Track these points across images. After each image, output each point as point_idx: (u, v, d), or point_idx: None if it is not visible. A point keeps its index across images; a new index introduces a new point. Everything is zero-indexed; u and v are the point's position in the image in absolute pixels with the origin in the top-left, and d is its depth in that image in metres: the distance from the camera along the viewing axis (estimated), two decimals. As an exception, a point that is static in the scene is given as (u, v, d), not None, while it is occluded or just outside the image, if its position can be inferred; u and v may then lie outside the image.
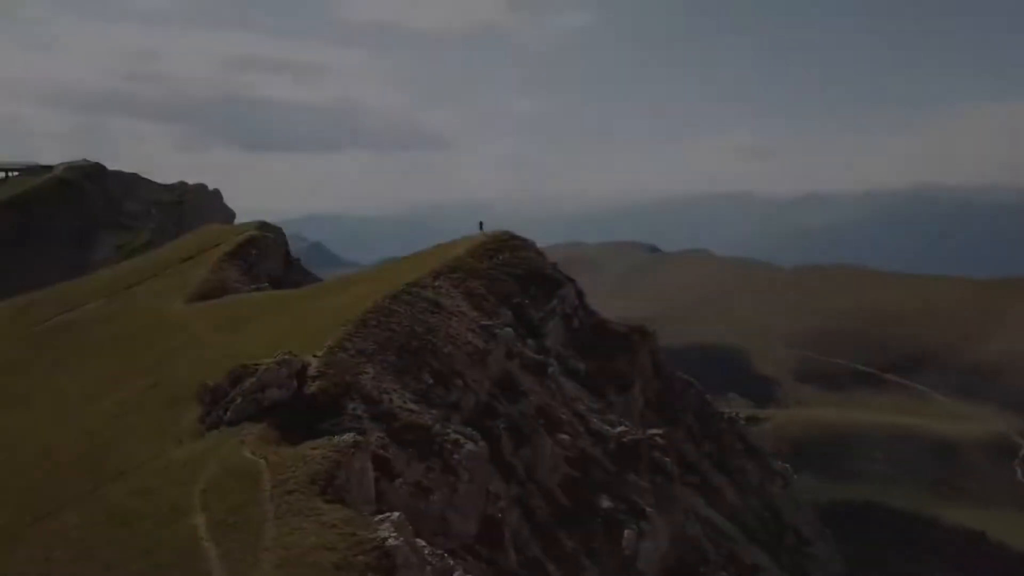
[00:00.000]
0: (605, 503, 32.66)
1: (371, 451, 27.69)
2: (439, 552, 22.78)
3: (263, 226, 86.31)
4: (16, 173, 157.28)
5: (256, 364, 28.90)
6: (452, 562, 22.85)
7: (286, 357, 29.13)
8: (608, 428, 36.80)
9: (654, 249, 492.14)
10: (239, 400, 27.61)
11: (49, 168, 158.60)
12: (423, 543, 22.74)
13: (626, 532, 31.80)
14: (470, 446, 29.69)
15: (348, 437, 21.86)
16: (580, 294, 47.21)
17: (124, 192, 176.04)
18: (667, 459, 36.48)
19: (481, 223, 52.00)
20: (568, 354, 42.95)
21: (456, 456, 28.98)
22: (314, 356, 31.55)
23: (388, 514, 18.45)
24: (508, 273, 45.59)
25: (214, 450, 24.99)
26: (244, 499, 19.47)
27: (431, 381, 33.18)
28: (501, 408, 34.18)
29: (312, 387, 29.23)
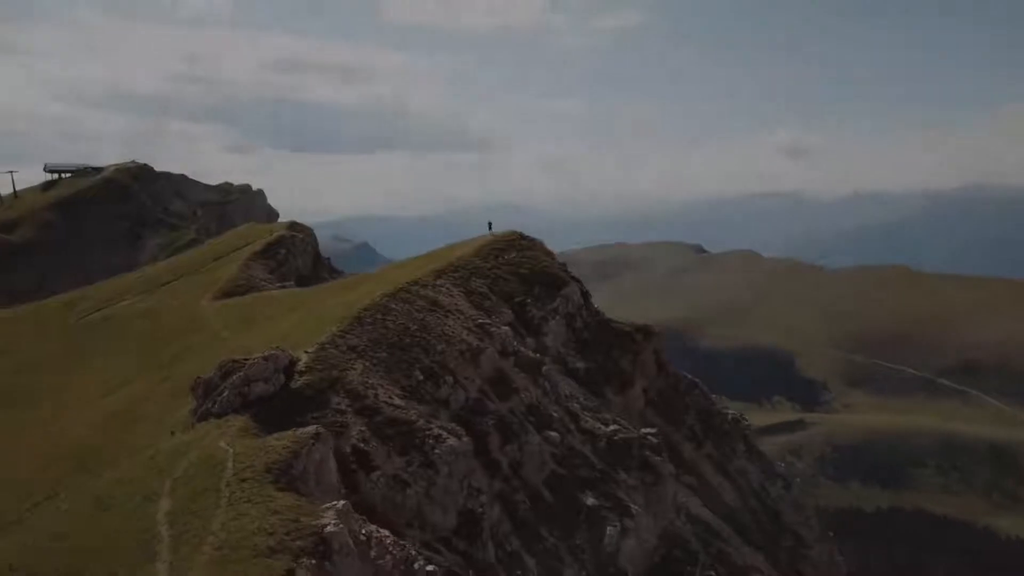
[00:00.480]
0: (590, 500, 33.03)
1: (351, 443, 28.72)
2: (402, 543, 23.55)
3: (293, 226, 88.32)
4: (68, 175, 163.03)
5: (245, 359, 30.02)
6: (415, 552, 23.60)
7: (273, 352, 30.21)
8: (601, 426, 37.14)
9: (700, 250, 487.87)
10: (226, 393, 28.74)
11: (99, 170, 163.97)
12: (386, 533, 23.57)
13: (608, 529, 32.15)
14: (452, 441, 30.40)
15: (310, 429, 22.70)
16: (585, 294, 47.52)
17: (171, 193, 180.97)
18: (658, 458, 36.65)
19: (490, 223, 52.68)
20: (568, 353, 43.37)
21: (437, 451, 29.70)
22: (305, 352, 32.64)
23: (334, 503, 19.14)
24: (513, 272, 46.15)
25: (197, 441, 26.11)
26: (205, 486, 20.45)
27: (421, 377, 33.94)
28: (491, 405, 34.76)
29: (299, 382, 30.27)
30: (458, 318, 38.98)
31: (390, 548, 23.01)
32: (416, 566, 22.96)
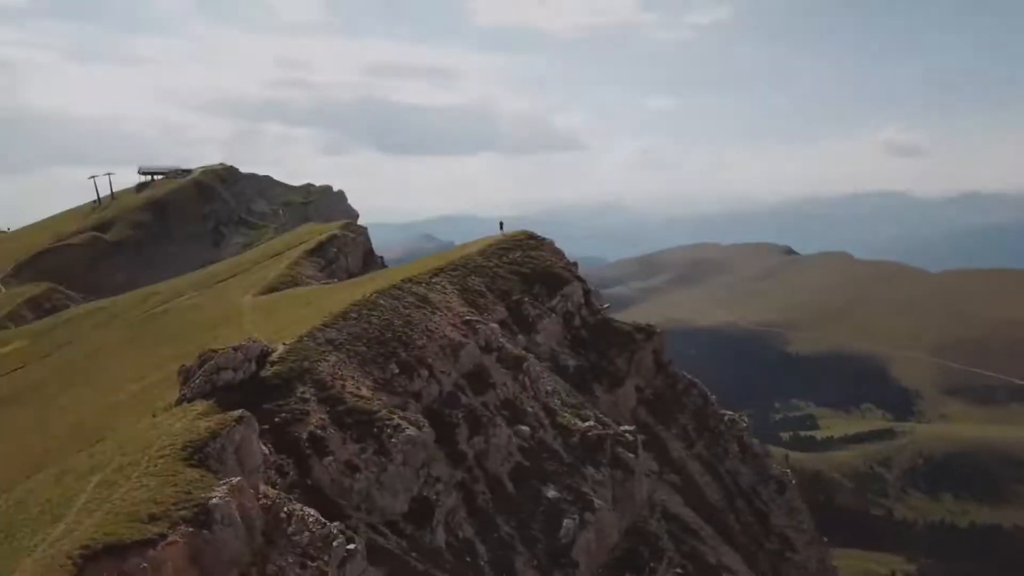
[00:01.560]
0: (551, 492, 33.96)
1: (308, 430, 30.60)
2: (324, 522, 25.20)
3: (347, 226, 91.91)
4: (161, 176, 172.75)
5: (219, 348, 32.32)
6: (336, 530, 25.20)
7: (245, 343, 32.41)
8: (577, 422, 37.94)
9: (790, 251, 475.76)
10: (198, 380, 31.05)
11: (188, 172, 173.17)
12: (311, 512, 25.29)
13: (566, 521, 33.02)
14: (410, 431, 31.88)
15: (236, 412, 24.50)
16: (587, 293, 48.25)
17: (255, 193, 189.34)
18: (631, 455, 37.20)
19: (501, 223, 53.99)
20: (561, 351, 44.26)
21: (393, 440, 31.25)
22: (283, 343, 34.77)
23: (229, 479, 20.90)
24: (514, 271, 47.34)
25: (162, 423, 28.41)
26: (130, 461, 22.56)
27: (397, 371, 35.56)
28: (464, 399, 36.12)
29: (268, 371, 32.36)
30: (445, 315, 40.47)
31: (311, 526, 24.71)
32: (335, 543, 24.59)
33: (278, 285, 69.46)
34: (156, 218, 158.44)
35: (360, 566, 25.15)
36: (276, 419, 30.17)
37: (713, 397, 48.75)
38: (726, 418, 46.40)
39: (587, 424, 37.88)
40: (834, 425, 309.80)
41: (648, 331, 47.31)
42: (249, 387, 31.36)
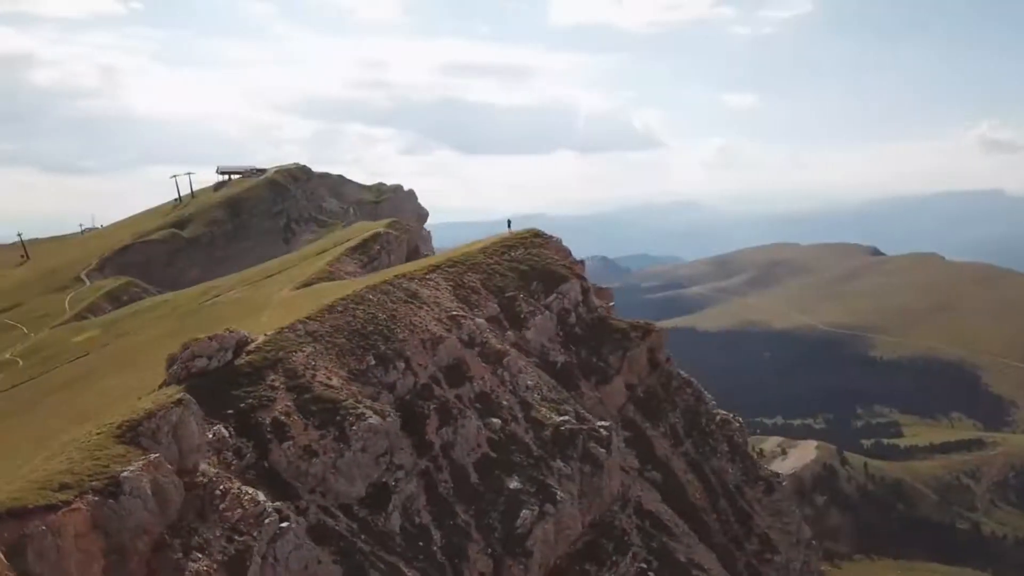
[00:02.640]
0: (513, 484, 34.87)
1: (271, 416, 32.39)
2: (258, 500, 26.91)
3: (393, 224, 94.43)
4: (238, 176, 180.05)
5: (199, 338, 34.51)
6: (270, 509, 26.87)
7: (220, 332, 34.50)
8: (553, 417, 38.71)
9: (875, 252, 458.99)
10: (175, 367, 33.29)
11: (263, 171, 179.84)
12: (248, 491, 27.05)
13: (524, 511, 33.89)
14: (372, 420, 33.37)
15: (177, 395, 26.38)
16: (586, 291, 48.79)
17: (329, 192, 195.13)
18: (602, 450, 37.71)
19: (509, 221, 55.00)
20: (552, 347, 44.98)
21: (354, 427, 32.80)
22: (264, 334, 36.76)
23: (148, 455, 22.71)
24: (513, 268, 48.33)
25: (136, 404, 30.66)
26: (73, 437, 24.68)
27: (373, 363, 37.09)
28: (438, 391, 37.38)
29: (243, 360, 34.34)
30: (431, 310, 41.81)
31: (245, 504, 26.48)
32: (267, 521, 26.28)
33: (314, 281, 72.25)
34: (231, 216, 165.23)
35: (292, 543, 26.74)
36: (242, 405, 32.08)
37: (709, 396, 48.55)
38: (718, 418, 46.23)
39: (562, 419, 38.60)
40: (919, 433, 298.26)
41: (645, 329, 47.56)
42: (222, 374, 33.40)
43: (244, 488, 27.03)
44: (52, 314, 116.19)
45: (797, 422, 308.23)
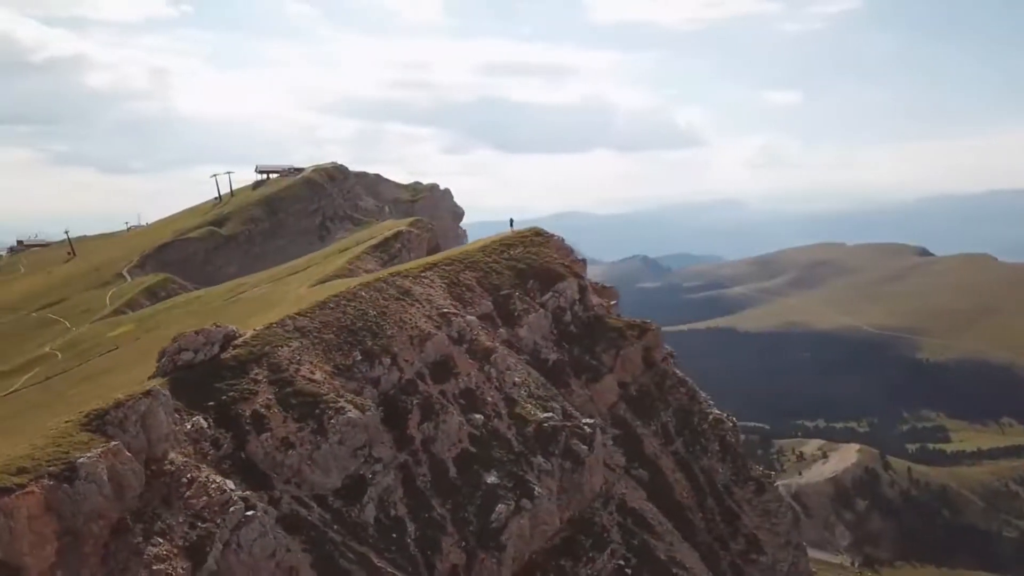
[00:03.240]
0: (491, 478, 35.37)
1: (252, 408, 33.34)
2: (228, 489, 27.84)
3: (415, 223, 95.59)
4: (276, 175, 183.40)
5: (185, 332, 35.68)
6: (237, 498, 27.77)
7: (207, 327, 35.63)
8: (538, 413, 39.10)
9: (924, 252, 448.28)
10: (164, 359, 34.49)
11: (301, 170, 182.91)
12: (217, 479, 28.00)
13: (499, 506, 34.37)
14: (351, 414, 34.16)
15: (147, 386, 27.39)
16: (583, 289, 49.01)
17: (365, 191, 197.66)
18: (584, 447, 37.98)
19: (511, 220, 55.43)
20: (545, 344, 45.34)
21: (332, 420, 33.62)
22: (254, 329, 37.81)
23: (108, 443, 23.72)
24: (511, 267, 48.79)
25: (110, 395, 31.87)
26: (48, 425, 25.85)
27: (360, 358, 37.90)
28: (422, 386, 38.04)
29: (229, 354, 35.38)
30: (423, 307, 42.49)
31: (211, 492, 27.43)
32: (232, 509, 27.19)
33: (332, 278, 73.55)
34: (268, 214, 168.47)
35: (257, 531, 27.58)
36: (223, 397, 33.10)
37: (704, 395, 48.41)
38: (711, 417, 46.10)
39: (546, 415, 38.97)
40: (967, 438, 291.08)
41: (641, 328, 47.63)
42: (207, 367, 34.51)
43: (212, 477, 27.99)
44: (93, 309, 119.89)
45: (840, 425, 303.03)
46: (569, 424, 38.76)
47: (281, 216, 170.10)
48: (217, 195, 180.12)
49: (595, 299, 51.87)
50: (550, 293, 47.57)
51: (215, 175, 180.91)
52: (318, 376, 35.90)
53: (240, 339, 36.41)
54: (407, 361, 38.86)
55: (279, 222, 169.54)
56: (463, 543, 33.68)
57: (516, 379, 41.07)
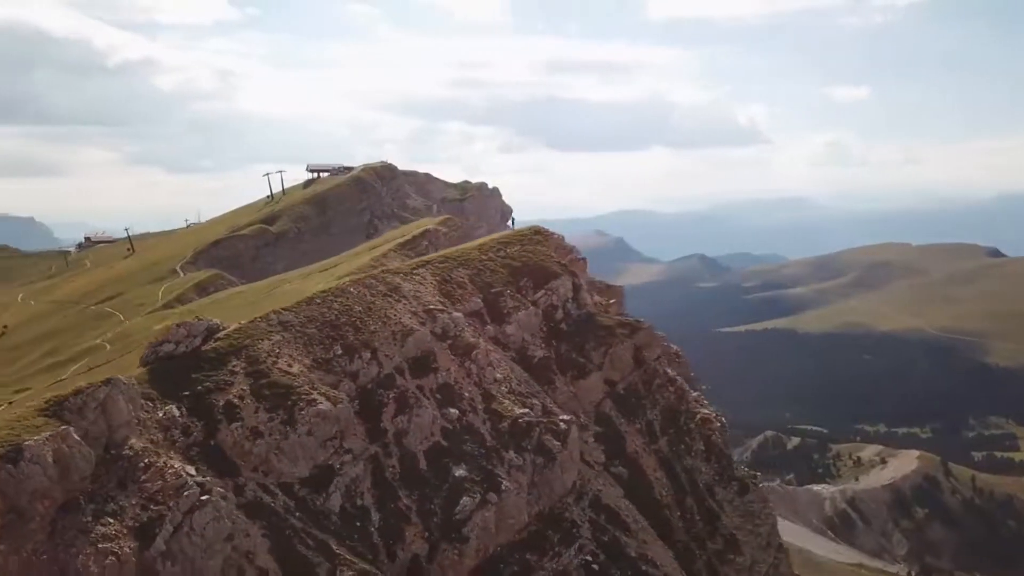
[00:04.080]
0: (459, 472, 36.07)
1: (226, 399, 34.70)
2: (184, 474, 29.18)
3: (444, 221, 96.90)
4: (326, 174, 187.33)
5: (168, 324, 37.31)
6: (193, 483, 29.08)
7: (188, 320, 37.23)
8: (515, 409, 39.64)
9: (995, 253, 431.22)
10: (148, 350, 36.17)
11: (350, 169, 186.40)
12: (174, 465, 29.35)
13: (465, 498, 35.06)
14: (322, 405, 35.28)
15: (110, 377, 28.89)
16: (578, 288, 49.26)
17: (414, 189, 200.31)
18: (556, 443, 38.36)
19: (512, 219, 55.93)
20: (533, 341, 45.77)
21: (303, 412, 34.78)
22: (239, 323, 39.28)
23: (60, 427, 25.21)
24: (505, 264, 49.38)
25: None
26: (14, 408, 27.55)
27: (340, 352, 39.03)
28: (400, 381, 38.97)
29: (209, 346, 36.87)
30: (409, 303, 43.43)
31: (167, 477, 28.81)
32: (186, 493, 28.52)
33: (354, 274, 75.20)
34: (317, 212, 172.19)
35: (211, 514, 28.82)
36: (199, 388, 34.59)
37: (696, 395, 48.18)
38: (698, 417, 45.87)
39: (522, 411, 39.49)
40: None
41: (633, 327, 47.69)
42: (187, 359, 36.06)
43: (170, 462, 29.37)
44: (147, 303, 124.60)
45: (902, 431, 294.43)
46: (544, 420, 39.20)
47: (330, 214, 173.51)
48: (269, 193, 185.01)
49: (595, 297, 52.13)
50: (543, 291, 48.02)
51: (267, 174, 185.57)
52: (295, 369, 37.14)
53: (223, 332, 37.92)
54: (387, 356, 39.82)
55: (327, 220, 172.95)
56: (427, 534, 34.47)
57: (498, 375, 41.67)
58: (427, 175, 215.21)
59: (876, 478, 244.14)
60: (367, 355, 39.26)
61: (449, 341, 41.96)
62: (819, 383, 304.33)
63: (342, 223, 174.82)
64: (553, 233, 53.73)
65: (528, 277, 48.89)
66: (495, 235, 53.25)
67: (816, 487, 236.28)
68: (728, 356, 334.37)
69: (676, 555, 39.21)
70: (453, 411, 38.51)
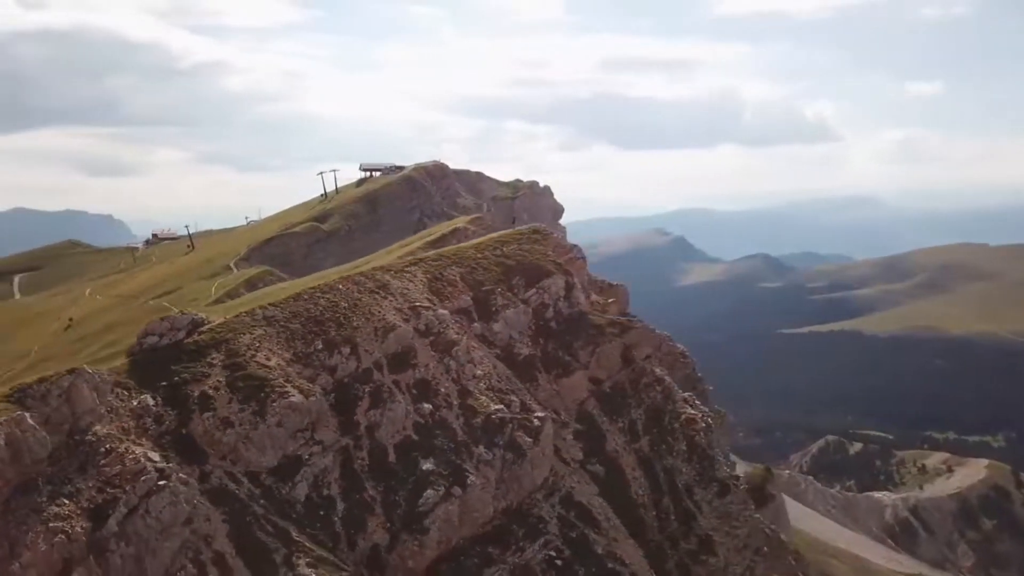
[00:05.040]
0: (426, 465, 36.86)
1: (201, 389, 36.17)
2: (143, 460, 30.71)
3: (474, 220, 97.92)
4: (378, 173, 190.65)
5: (154, 318, 39.08)
6: (152, 468, 30.56)
7: (172, 314, 38.94)
8: (491, 405, 40.21)
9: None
10: (134, 341, 38.00)
11: (402, 168, 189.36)
12: (136, 451, 30.90)
13: (428, 491, 35.84)
14: (294, 398, 36.53)
15: (78, 367, 30.56)
16: (571, 287, 49.45)
17: (465, 188, 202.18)
18: (528, 439, 38.75)
19: (514, 219, 56.31)
20: (520, 339, 46.20)
21: (275, 404, 36.07)
22: (225, 316, 40.87)
23: (19, 412, 26.88)
24: (499, 263, 49.95)
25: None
26: (-11, 397, 29.42)
27: (320, 347, 40.23)
28: (377, 376, 39.97)
29: (192, 339, 38.48)
30: (395, 300, 44.41)
31: (127, 462, 30.38)
32: (144, 479, 30.03)
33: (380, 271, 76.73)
34: (368, 210, 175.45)
35: (168, 499, 30.24)
36: (176, 379, 36.21)
37: (686, 395, 47.80)
38: (683, 417, 45.56)
39: (496, 408, 40.04)
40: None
41: (624, 326, 47.68)
42: (169, 351, 37.74)
43: (133, 448, 30.94)
44: (200, 298, 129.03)
45: (973, 439, 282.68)
46: (518, 417, 39.66)
47: (380, 212, 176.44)
48: (323, 192, 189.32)
49: (592, 297, 52.27)
50: (534, 289, 48.43)
51: (321, 172, 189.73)
52: (273, 362, 38.46)
53: (207, 326, 39.53)
54: (367, 351, 40.85)
55: (378, 218, 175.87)
56: (388, 524, 35.36)
57: (478, 372, 42.29)
58: (479, 174, 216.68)
59: (941, 487, 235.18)
60: (347, 350, 40.37)
61: (431, 338, 42.76)
62: (885, 387, 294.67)
63: (392, 221, 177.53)
64: (552, 233, 54.04)
65: (521, 276, 49.38)
66: (493, 234, 53.85)
67: (877, 494, 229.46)
68: (790, 358, 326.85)
69: (647, 554, 39.18)
70: (427, 406, 39.31)
